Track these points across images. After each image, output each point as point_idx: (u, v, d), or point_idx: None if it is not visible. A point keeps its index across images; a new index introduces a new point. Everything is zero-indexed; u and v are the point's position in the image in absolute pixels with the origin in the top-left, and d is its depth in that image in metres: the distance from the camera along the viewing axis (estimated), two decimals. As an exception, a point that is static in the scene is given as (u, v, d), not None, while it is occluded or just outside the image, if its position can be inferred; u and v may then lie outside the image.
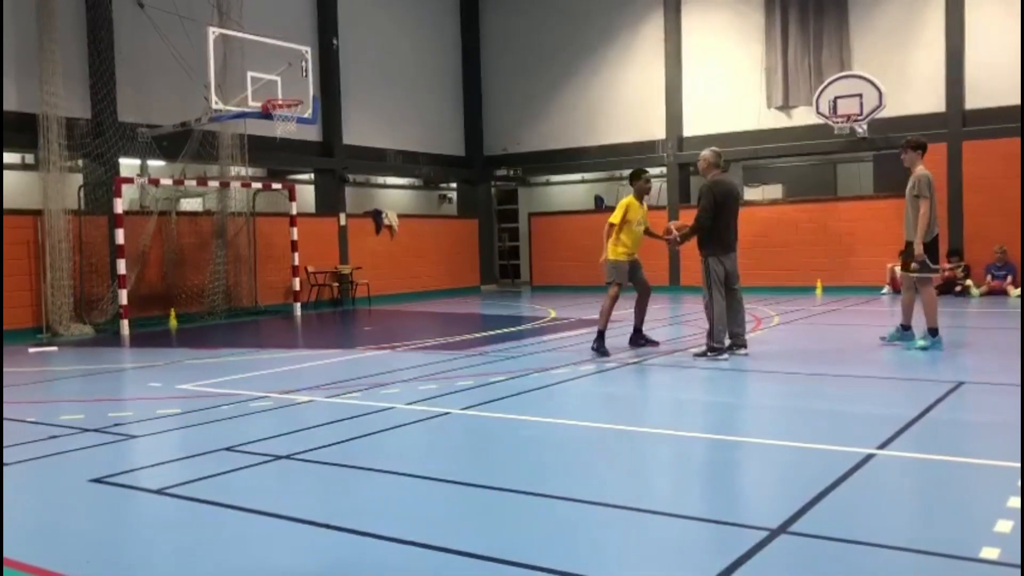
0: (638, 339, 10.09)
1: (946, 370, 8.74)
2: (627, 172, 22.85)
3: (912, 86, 17.55)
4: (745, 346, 9.37)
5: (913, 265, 9.29)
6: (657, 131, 20.53)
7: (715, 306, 9.08)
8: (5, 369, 9.68)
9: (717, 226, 9.13)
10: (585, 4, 21.39)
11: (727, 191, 9.27)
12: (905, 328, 9.71)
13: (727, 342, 9.22)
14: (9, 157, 16.14)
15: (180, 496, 4.64)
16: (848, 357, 9.25)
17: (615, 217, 9.76)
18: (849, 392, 7.36)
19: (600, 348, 9.61)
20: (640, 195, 9.92)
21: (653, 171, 21.22)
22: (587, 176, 23.81)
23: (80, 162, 14.49)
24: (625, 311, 10.74)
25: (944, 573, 3.39)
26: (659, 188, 21.84)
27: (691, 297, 17.92)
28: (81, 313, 13.92)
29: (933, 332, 9.36)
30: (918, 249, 9.17)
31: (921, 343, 9.38)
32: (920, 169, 9.32)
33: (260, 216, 17.06)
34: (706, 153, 9.44)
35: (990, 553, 3.47)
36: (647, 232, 10.03)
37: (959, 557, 3.48)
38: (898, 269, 17.21)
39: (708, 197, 9.10)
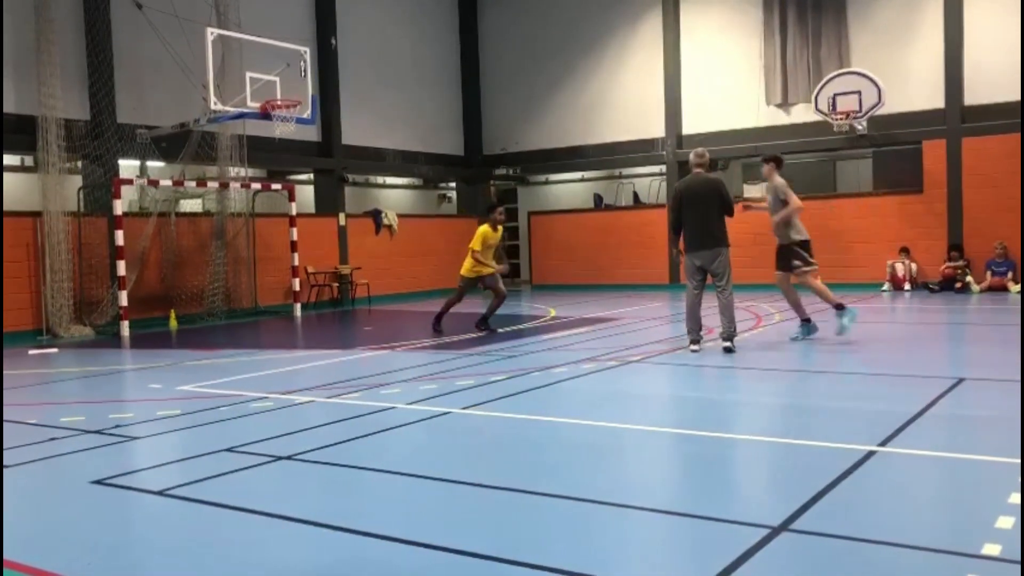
0: (481, 324, 12.16)
1: (947, 366, 8.76)
2: (628, 170, 23.10)
3: (911, 82, 17.54)
4: (725, 340, 9.41)
5: (795, 262, 10.00)
6: (656, 129, 20.52)
7: (685, 299, 9.61)
8: (6, 372, 9.67)
9: (684, 224, 9.49)
10: (583, 3, 21.37)
11: (682, 190, 9.55)
12: (806, 322, 10.14)
13: (703, 335, 9.62)
14: (8, 159, 16.14)
15: (181, 497, 4.64)
16: (848, 354, 9.25)
17: (475, 244, 12.06)
18: (850, 389, 7.35)
19: (437, 328, 12.11)
20: (494, 225, 12.13)
21: (653, 169, 21.60)
22: (586, 175, 23.81)
23: (79, 164, 14.47)
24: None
25: (945, 569, 3.38)
26: (658, 186, 21.89)
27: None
28: (81, 315, 13.91)
29: (806, 321, 10.16)
30: (781, 231, 9.97)
31: (802, 332, 10.08)
32: (777, 178, 10.07)
33: (259, 217, 17.05)
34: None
35: (991, 549, 3.47)
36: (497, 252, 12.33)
37: (960, 553, 3.47)
38: (898, 266, 17.27)
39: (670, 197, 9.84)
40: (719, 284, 9.41)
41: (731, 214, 9.57)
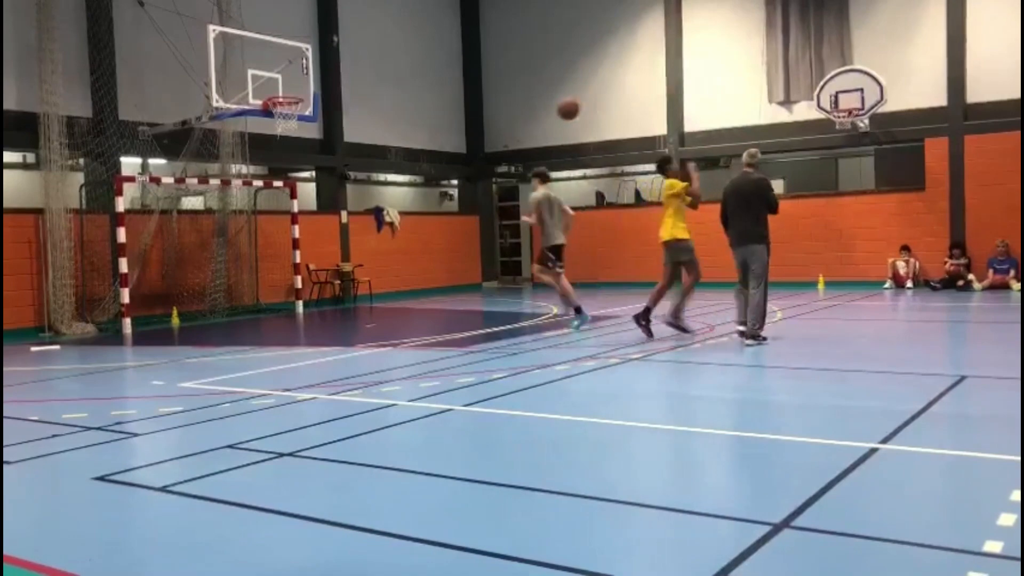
0: (675, 320, 10.53)
1: (949, 364, 8.75)
2: (628, 168, 23.02)
3: (913, 80, 17.51)
4: (748, 337, 9.62)
5: (549, 263, 11.57)
6: (658, 127, 20.50)
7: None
8: (7, 368, 9.69)
9: (729, 221, 9.91)
10: (585, 0, 21.35)
11: (729, 189, 9.98)
12: (577, 311, 11.50)
13: (742, 329, 9.86)
14: (10, 156, 16.15)
15: (183, 494, 4.64)
16: (850, 352, 9.24)
17: (677, 189, 10.33)
18: (851, 386, 7.35)
19: (646, 326, 10.46)
20: (681, 177, 10.52)
21: (654, 167, 21.49)
22: (588, 172, 23.79)
23: (81, 161, 14.49)
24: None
25: (947, 566, 3.38)
26: (661, 184, 21.85)
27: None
28: (83, 312, 13.93)
29: (577, 310, 11.53)
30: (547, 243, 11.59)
31: (575, 323, 11.40)
32: (537, 193, 11.81)
33: (261, 214, 17.06)
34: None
35: (993, 547, 3.47)
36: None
37: (962, 551, 3.47)
38: (899, 264, 17.27)
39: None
40: (752, 280, 9.60)
41: (774, 211, 9.83)
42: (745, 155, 10.07)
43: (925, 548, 3.55)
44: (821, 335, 10.80)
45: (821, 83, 17.77)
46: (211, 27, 13.98)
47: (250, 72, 14.40)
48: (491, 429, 6.20)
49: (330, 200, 19.28)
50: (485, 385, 7.65)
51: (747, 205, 9.70)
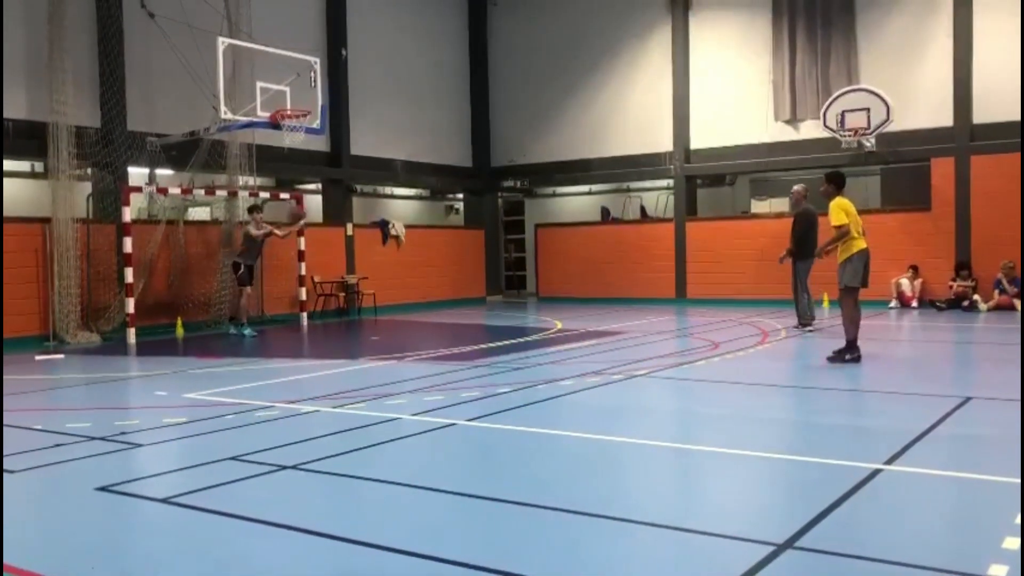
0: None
1: (954, 385, 8.73)
2: (634, 184, 23.10)
3: (920, 100, 17.54)
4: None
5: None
6: (664, 143, 20.54)
7: (801, 295, 12.89)
8: (12, 377, 9.70)
9: (806, 241, 12.77)
10: (593, 16, 21.45)
11: (810, 216, 13.02)
12: (232, 319, 14.67)
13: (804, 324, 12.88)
14: (18, 165, 16.21)
15: (186, 505, 4.64)
16: (855, 371, 9.22)
17: (836, 217, 10.00)
18: (856, 406, 7.33)
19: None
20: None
21: (659, 183, 21.62)
22: (594, 188, 23.83)
23: (89, 170, 14.54)
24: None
25: (952, 590, 3.37)
26: (666, 200, 21.90)
27: (695, 309, 17.87)
28: (88, 321, 13.94)
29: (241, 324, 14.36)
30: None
31: (232, 330, 14.37)
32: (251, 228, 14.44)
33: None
34: (797, 188, 13.48)
35: (998, 570, 3.46)
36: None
37: (967, 574, 3.46)
38: (903, 281, 17.24)
39: (800, 223, 13.04)
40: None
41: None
42: (803, 188, 13.45)
43: (929, 571, 3.54)
44: (825, 354, 10.78)
45: (828, 102, 17.79)
46: (220, 39, 14.05)
47: (258, 84, 14.45)
48: (494, 444, 6.19)
49: (336, 212, 19.32)
50: (489, 400, 7.64)
51: (814, 229, 12.82)
